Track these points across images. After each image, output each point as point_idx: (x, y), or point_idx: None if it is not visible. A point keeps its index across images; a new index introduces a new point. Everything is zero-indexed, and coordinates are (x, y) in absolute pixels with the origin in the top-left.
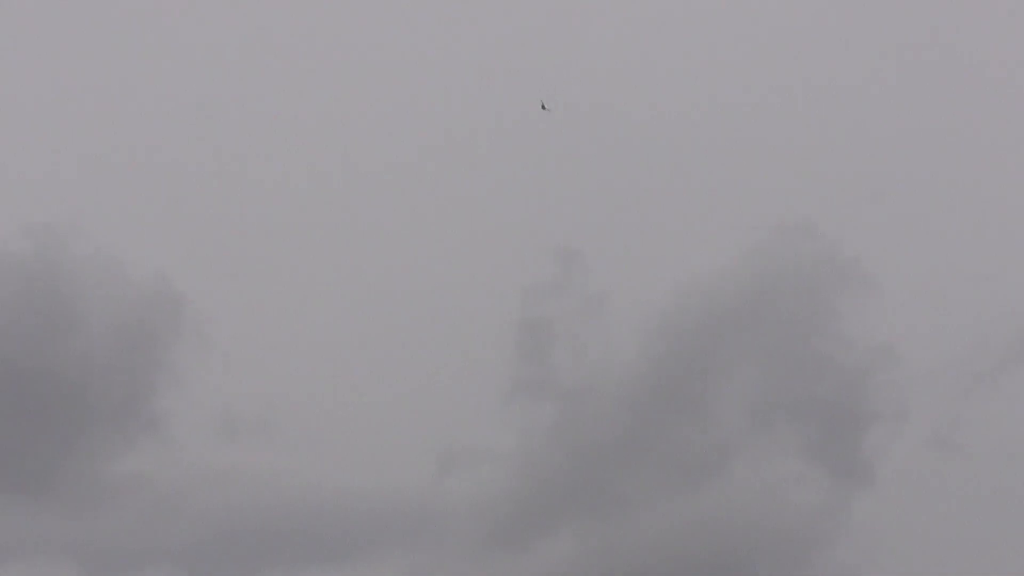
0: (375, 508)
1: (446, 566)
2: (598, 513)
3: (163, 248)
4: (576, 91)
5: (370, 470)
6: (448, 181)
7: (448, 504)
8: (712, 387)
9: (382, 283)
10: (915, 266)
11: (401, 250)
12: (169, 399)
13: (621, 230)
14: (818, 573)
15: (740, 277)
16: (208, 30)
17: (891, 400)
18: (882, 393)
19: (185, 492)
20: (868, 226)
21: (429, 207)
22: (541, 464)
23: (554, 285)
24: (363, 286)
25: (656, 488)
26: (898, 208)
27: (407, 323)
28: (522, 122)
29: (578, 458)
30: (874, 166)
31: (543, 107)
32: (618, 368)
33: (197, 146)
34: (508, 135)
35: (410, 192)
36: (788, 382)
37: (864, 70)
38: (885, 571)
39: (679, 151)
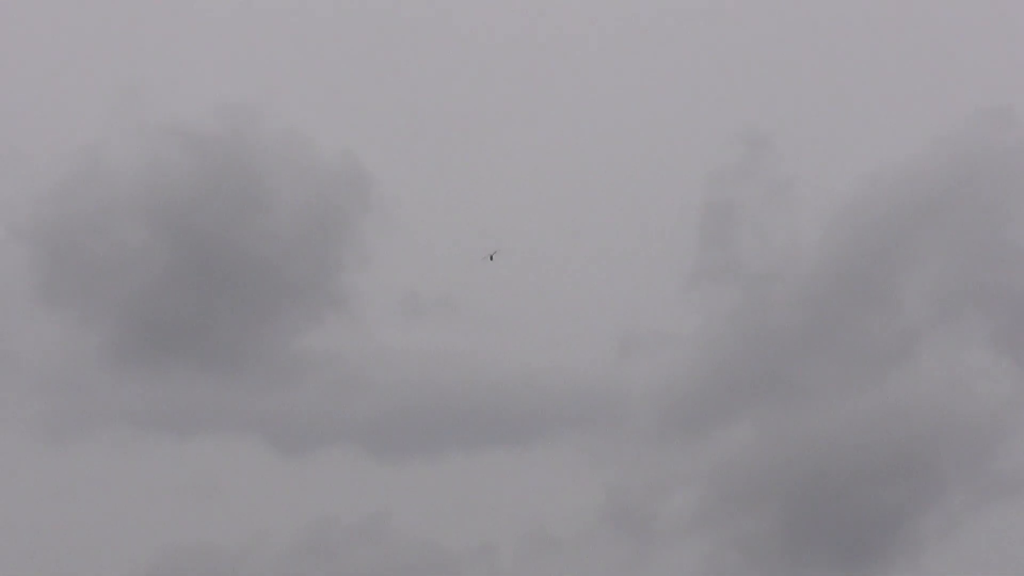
0: (555, 390)
1: (624, 450)
2: (779, 401)
3: (352, 126)
4: None
5: (551, 352)
6: (635, 62)
7: (628, 388)
8: (899, 275)
9: (567, 166)
10: None
11: (586, 132)
12: (355, 277)
13: (811, 115)
14: (1003, 466)
15: (932, 165)
16: None
17: None
18: None
19: (370, 370)
20: None
21: (615, 88)
22: (722, 350)
23: (740, 169)
24: (549, 169)
25: (839, 377)
26: None
27: (592, 205)
28: (714, 1)
29: (760, 345)
30: None
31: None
32: (803, 255)
33: (384, 22)
34: (698, 14)
35: (595, 74)
36: (978, 271)
37: None
38: None
39: (872, 34)
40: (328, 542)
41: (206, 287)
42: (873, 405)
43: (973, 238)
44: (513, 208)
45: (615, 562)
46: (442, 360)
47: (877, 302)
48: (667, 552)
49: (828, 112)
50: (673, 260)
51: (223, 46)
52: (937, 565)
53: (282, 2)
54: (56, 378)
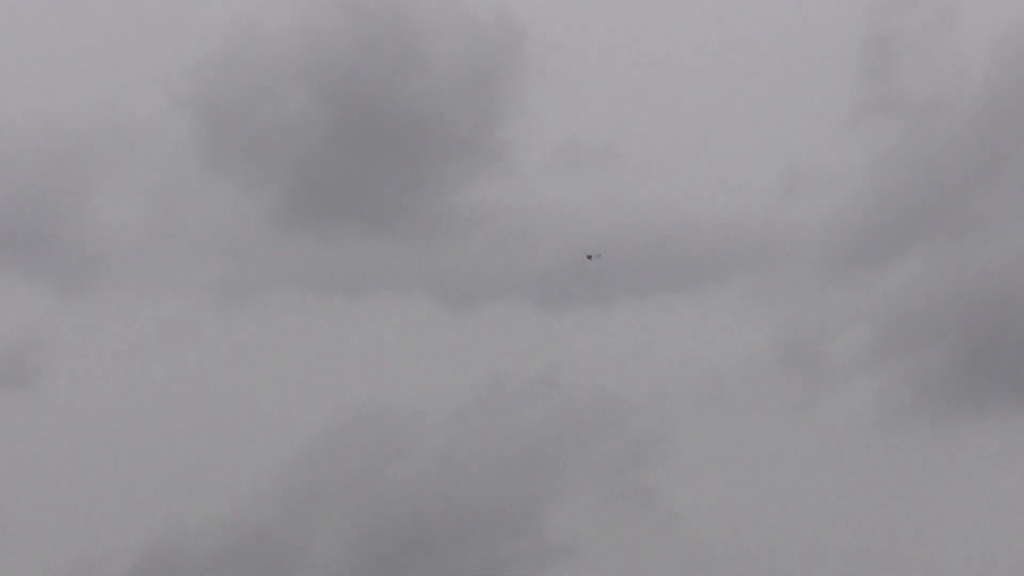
0: (721, 234)
1: (792, 291)
2: (949, 234)
3: None
4: None
5: (716, 196)
6: None
7: (794, 228)
8: None
9: (724, 8)
10: None
11: None
12: (513, 129)
13: None
14: None
15: None
16: None
17: None
18: None
19: (534, 222)
20: None
21: None
22: (888, 184)
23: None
24: (707, 11)
25: (1011, 206)
26: None
27: (749, 46)
28: None
29: (927, 177)
30: None
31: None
32: (970, 83)
33: None
34: None
35: None
36: None
37: None
38: None
39: None
40: (500, 397)
41: (367, 148)
42: None
43: None
44: (670, 54)
45: (786, 403)
46: (606, 209)
47: None
48: (838, 392)
49: None
50: (834, 96)
51: None
52: None
53: None
54: (225, 243)
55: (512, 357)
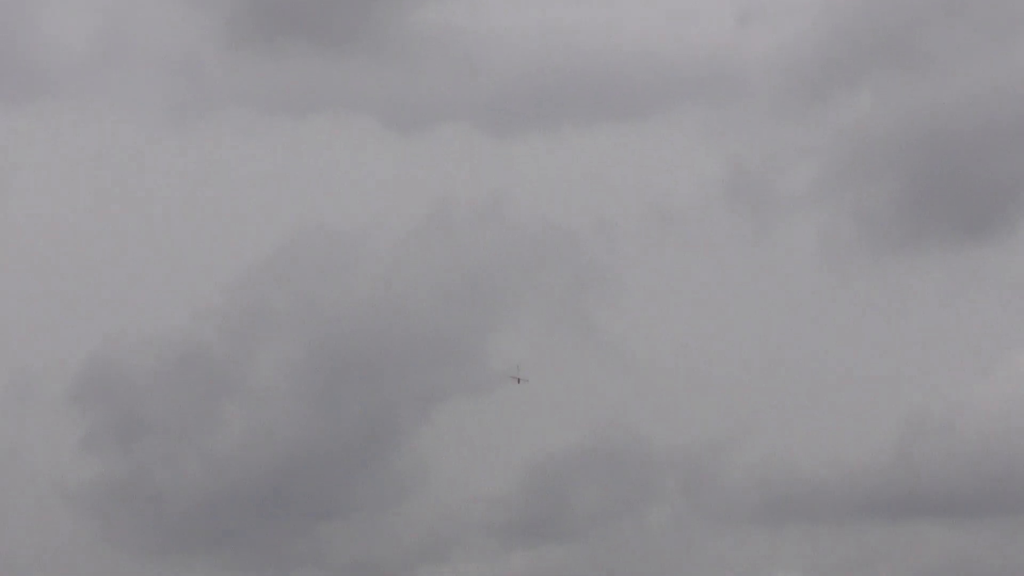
0: (673, 63)
1: (743, 123)
2: (902, 69)
3: None
4: None
5: (668, 24)
6: None
7: (746, 59)
8: None
9: None
10: None
11: None
12: None
13: None
14: None
15: None
16: None
17: None
18: None
19: (483, 48)
20: None
21: None
22: (840, 20)
23: None
24: None
25: (966, 44)
26: None
27: None
28: None
29: (880, 13)
30: None
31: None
32: None
33: None
34: None
35: None
36: None
37: None
38: None
39: None
40: (446, 224)
41: None
42: (1001, 73)
43: None
44: None
45: (732, 236)
46: (557, 36)
47: None
48: (784, 226)
49: None
50: None
51: None
52: None
53: None
54: (173, 60)
55: (459, 183)
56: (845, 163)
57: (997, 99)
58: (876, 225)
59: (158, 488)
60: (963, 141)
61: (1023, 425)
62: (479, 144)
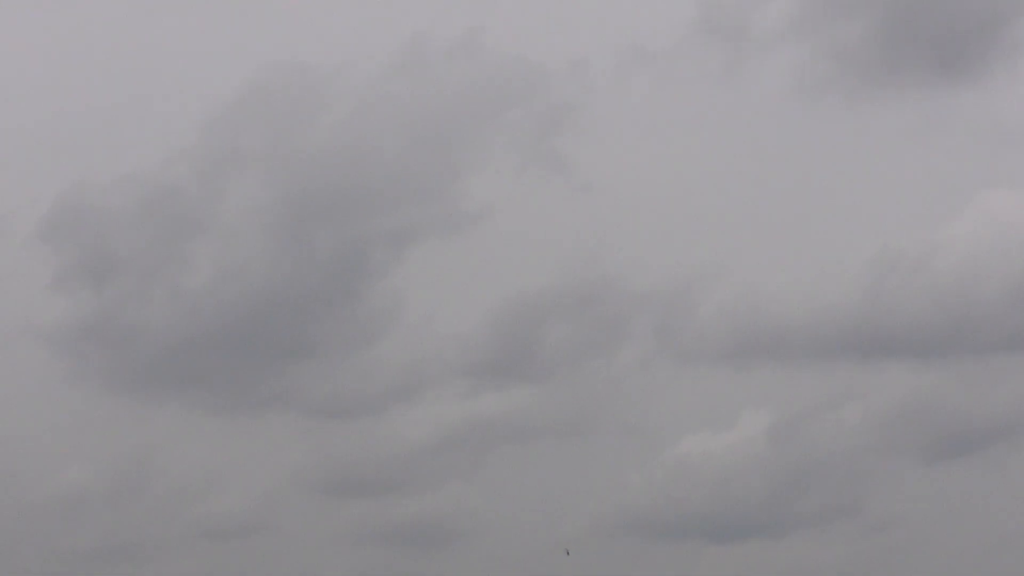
0: None
1: None
2: None
3: None
4: None
5: None
6: None
7: None
8: None
9: None
10: None
11: None
12: None
13: None
14: None
15: None
16: None
17: None
18: None
19: None
20: None
21: None
22: None
23: None
24: None
25: None
26: None
27: None
28: None
29: None
30: None
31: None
32: None
33: None
34: None
35: None
36: None
37: None
38: None
39: None
40: (420, 60)
41: None
42: None
43: None
44: None
45: (707, 73)
46: None
47: None
48: (758, 63)
49: None
50: None
51: None
52: None
53: None
54: None
55: (432, 18)
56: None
57: None
58: (851, 62)
59: (129, 327)
60: None
61: (992, 265)
62: None
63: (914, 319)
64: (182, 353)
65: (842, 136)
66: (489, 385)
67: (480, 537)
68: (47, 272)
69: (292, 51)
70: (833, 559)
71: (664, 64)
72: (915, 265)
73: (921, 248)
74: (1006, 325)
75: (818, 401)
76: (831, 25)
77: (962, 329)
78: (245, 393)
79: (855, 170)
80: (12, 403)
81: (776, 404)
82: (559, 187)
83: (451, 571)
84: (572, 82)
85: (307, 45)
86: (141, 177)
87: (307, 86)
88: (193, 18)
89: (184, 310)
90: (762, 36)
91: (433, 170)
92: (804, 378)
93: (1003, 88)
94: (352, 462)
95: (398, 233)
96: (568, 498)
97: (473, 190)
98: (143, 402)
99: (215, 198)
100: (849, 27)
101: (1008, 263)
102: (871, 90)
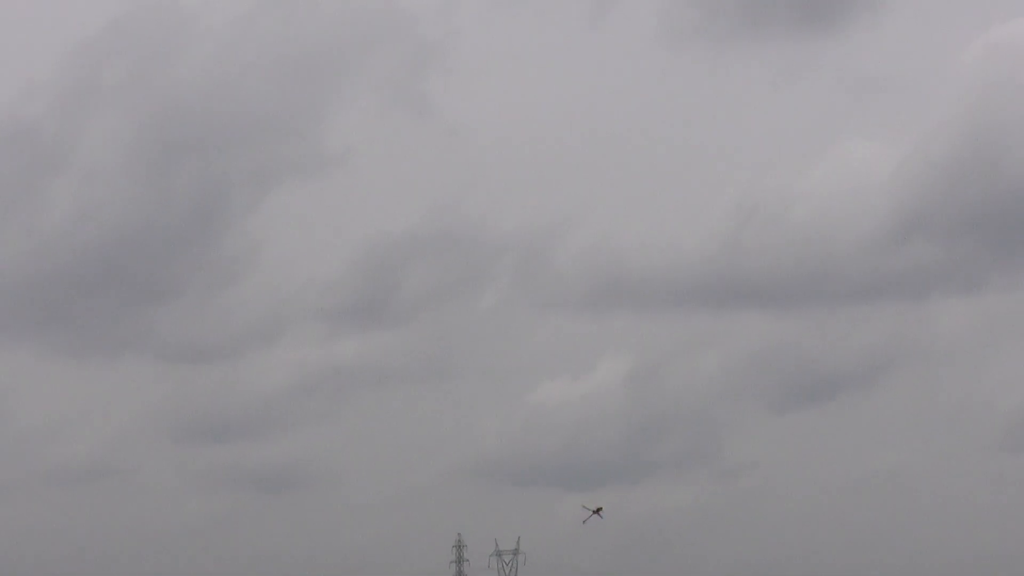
0: None
1: None
2: None
3: None
4: None
5: None
6: None
7: None
8: None
9: None
10: None
11: None
12: None
13: None
14: None
15: None
16: None
17: None
18: None
19: None
20: None
21: None
22: None
23: None
24: None
25: None
26: None
27: None
28: None
29: None
30: None
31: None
32: None
33: None
34: None
35: None
36: None
37: None
38: None
39: None
40: None
41: None
42: None
43: None
44: None
45: (576, 17)
46: None
47: None
48: (625, 7)
49: None
50: None
51: None
52: (901, 22)
53: None
54: None
55: None
56: None
57: None
58: (715, 11)
59: None
60: None
61: (848, 215)
62: None
63: (770, 269)
64: (36, 294)
65: (705, 84)
66: (348, 329)
67: (336, 482)
68: None
69: None
70: (688, 503)
71: (532, 7)
72: (773, 214)
73: (779, 196)
74: (860, 276)
75: (675, 348)
76: None
77: (817, 279)
78: (101, 336)
79: (717, 118)
80: None
81: (634, 351)
82: (423, 130)
83: (305, 517)
84: (439, 24)
85: None
86: None
87: (170, 23)
88: None
89: (40, 249)
90: None
91: (296, 110)
92: (662, 326)
93: (863, 40)
94: (208, 407)
95: (259, 173)
96: (426, 444)
97: (336, 131)
98: None
99: (73, 135)
100: None
101: (862, 214)
102: (734, 39)
